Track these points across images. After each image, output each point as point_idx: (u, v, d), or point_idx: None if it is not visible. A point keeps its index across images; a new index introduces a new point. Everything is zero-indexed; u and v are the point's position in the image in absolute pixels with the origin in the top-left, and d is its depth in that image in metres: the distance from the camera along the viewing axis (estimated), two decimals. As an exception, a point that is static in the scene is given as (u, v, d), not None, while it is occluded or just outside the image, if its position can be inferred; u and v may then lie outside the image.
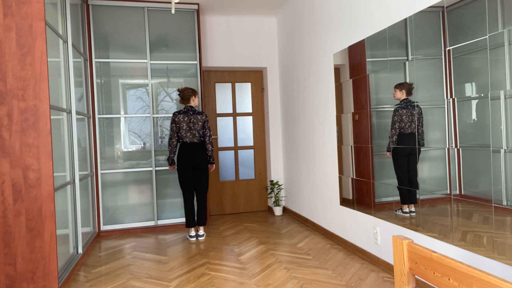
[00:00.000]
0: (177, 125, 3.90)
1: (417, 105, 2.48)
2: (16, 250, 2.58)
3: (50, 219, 2.63)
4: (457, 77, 2.17)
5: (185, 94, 3.94)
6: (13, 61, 2.57)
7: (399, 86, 2.66)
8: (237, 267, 3.14)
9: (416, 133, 2.51)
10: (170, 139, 3.94)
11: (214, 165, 4.11)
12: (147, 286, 2.83)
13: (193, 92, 3.98)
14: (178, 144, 4.30)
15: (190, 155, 3.90)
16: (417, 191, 2.53)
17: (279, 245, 3.71)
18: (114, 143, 4.43)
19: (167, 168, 4.52)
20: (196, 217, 4.06)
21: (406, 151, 2.62)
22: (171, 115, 4.55)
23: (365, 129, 3.10)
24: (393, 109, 2.73)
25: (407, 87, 2.61)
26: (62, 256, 3.00)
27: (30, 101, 2.60)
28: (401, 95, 2.66)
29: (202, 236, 4.04)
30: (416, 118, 2.51)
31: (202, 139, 3.97)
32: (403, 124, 2.64)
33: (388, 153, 2.81)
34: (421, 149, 2.47)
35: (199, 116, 3.94)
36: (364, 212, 3.17)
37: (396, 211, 2.75)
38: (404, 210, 2.67)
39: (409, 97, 2.58)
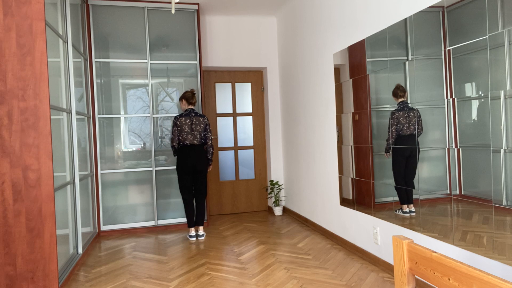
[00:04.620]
0: (178, 128, 3.93)
1: (415, 108, 2.48)
2: (16, 250, 2.58)
3: (50, 219, 2.63)
4: (457, 77, 2.17)
5: (194, 96, 4.01)
6: (13, 61, 2.57)
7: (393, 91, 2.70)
8: (237, 267, 3.14)
9: (416, 135, 2.51)
10: (172, 142, 3.97)
11: (211, 165, 4.16)
12: (147, 286, 2.83)
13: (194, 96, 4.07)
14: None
15: (191, 158, 3.91)
16: (413, 190, 2.53)
17: (279, 245, 3.71)
18: (114, 143, 4.42)
19: (167, 168, 4.52)
20: (195, 217, 4.07)
21: (406, 153, 2.62)
22: (172, 115, 4.56)
23: (365, 129, 3.10)
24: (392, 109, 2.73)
25: (395, 92, 2.64)
26: (62, 256, 3.00)
27: (30, 101, 2.60)
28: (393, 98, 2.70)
29: (202, 236, 4.04)
30: (415, 120, 2.50)
31: (202, 141, 3.99)
32: (400, 126, 2.64)
33: (386, 154, 2.81)
34: (420, 149, 2.47)
35: (201, 119, 3.97)
36: (364, 212, 3.17)
37: (396, 211, 2.75)
38: (404, 210, 2.67)
39: (405, 100, 2.59)
